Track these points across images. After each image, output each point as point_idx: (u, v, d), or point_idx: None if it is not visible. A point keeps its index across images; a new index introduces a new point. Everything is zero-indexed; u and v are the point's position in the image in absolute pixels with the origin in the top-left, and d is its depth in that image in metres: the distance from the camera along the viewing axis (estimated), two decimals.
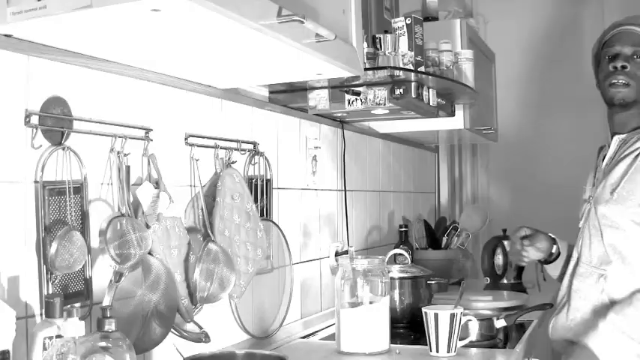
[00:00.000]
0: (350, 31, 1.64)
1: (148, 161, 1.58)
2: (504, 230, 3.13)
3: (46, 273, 1.29)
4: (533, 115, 3.97)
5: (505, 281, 3.01)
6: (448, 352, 1.83)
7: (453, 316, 1.83)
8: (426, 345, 1.88)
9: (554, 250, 2.09)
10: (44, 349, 1.17)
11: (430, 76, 2.20)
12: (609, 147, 2.03)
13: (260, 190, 1.97)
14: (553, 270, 2.14)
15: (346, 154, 2.64)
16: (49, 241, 1.29)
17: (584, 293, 1.94)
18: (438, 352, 1.84)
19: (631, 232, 1.89)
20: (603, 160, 2.04)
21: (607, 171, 1.98)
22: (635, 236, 1.89)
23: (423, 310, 1.87)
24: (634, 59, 1.97)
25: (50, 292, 1.29)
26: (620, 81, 1.96)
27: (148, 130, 1.58)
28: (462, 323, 1.86)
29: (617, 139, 2.01)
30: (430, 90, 2.29)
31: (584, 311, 1.93)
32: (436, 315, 1.83)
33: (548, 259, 2.11)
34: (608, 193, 1.92)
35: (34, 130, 1.31)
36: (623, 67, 1.95)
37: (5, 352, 1.11)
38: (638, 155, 1.90)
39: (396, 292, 2.30)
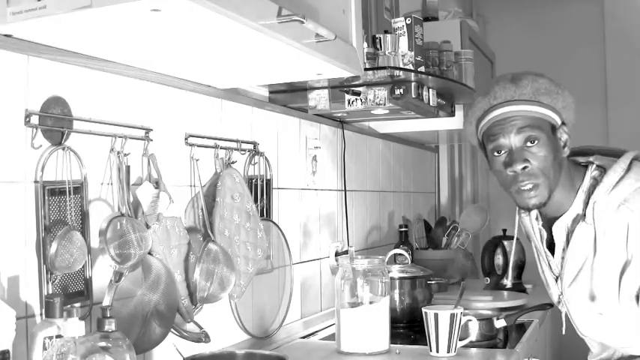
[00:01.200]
0: (350, 31, 1.64)
1: (148, 161, 1.58)
2: (504, 230, 3.13)
3: (46, 273, 1.29)
4: None
5: (505, 281, 3.01)
6: (448, 352, 1.83)
7: (453, 316, 1.83)
8: (426, 345, 1.87)
9: None
10: (44, 349, 1.17)
11: (430, 76, 2.20)
12: (547, 233, 1.81)
13: (260, 190, 1.97)
14: None
15: (346, 154, 2.64)
16: (49, 241, 1.29)
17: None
18: (438, 352, 1.84)
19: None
20: (552, 251, 1.82)
21: (571, 275, 1.78)
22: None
23: (423, 310, 1.87)
24: (528, 148, 1.66)
25: (50, 292, 1.29)
26: (527, 187, 1.67)
27: (148, 130, 1.58)
28: (462, 323, 1.86)
29: (557, 228, 1.77)
30: (430, 90, 2.29)
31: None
32: (436, 315, 1.83)
33: None
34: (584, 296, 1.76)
35: (34, 130, 1.31)
36: (524, 168, 1.66)
37: (5, 352, 1.11)
38: (595, 247, 1.71)
39: (396, 292, 2.30)
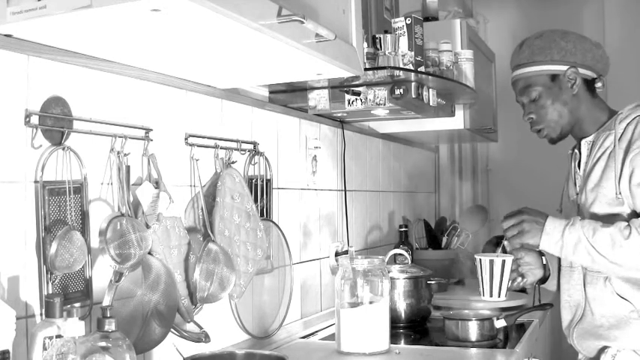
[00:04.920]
0: (350, 31, 1.64)
1: (148, 161, 1.58)
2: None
3: (46, 273, 1.29)
4: None
5: None
6: (499, 296, 1.99)
7: (503, 262, 1.99)
8: (426, 345, 1.88)
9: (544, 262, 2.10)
10: (44, 349, 1.17)
11: (430, 76, 2.20)
12: (579, 152, 2.01)
13: (260, 190, 1.97)
14: (550, 285, 2.13)
15: (346, 154, 2.64)
16: (49, 241, 1.29)
17: (600, 299, 1.90)
18: (491, 296, 1.99)
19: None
20: (579, 167, 2.01)
21: (585, 177, 1.95)
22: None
23: (479, 257, 2.01)
24: (533, 103, 2.00)
25: (50, 292, 1.29)
26: (535, 130, 2.03)
27: (148, 130, 1.58)
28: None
29: (584, 142, 1.99)
30: (430, 90, 2.29)
31: (609, 316, 1.89)
32: (491, 262, 1.98)
33: (543, 277, 2.11)
34: (592, 196, 1.90)
35: (34, 130, 1.31)
36: (529, 119, 2.02)
37: (5, 352, 1.11)
38: (610, 154, 1.88)
39: (396, 292, 2.30)
